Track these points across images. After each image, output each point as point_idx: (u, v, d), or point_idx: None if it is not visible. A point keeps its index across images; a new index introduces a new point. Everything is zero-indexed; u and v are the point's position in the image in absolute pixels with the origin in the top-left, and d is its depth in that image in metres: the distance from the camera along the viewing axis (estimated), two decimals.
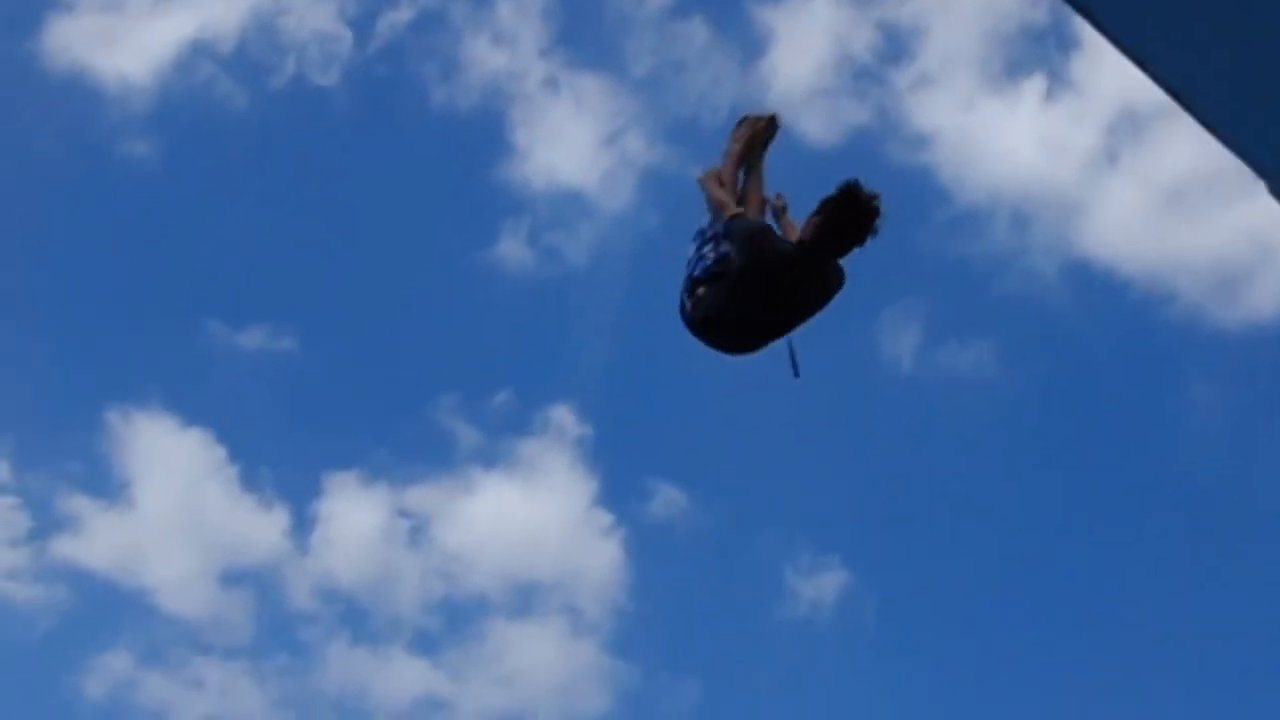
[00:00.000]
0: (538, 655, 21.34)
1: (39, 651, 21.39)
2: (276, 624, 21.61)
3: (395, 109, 23.64)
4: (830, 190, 6.80)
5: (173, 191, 23.12)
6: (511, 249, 22.54)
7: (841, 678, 21.91)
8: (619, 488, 21.38)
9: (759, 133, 7.51)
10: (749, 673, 21.67)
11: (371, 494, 21.83)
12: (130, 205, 23.37)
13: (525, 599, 21.32)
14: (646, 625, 21.36)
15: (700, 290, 7.01)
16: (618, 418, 22.06)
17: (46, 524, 21.33)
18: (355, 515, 21.71)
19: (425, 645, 21.49)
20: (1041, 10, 22.29)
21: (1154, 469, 22.30)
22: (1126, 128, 22.23)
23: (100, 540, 21.41)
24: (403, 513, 21.67)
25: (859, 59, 22.86)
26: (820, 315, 7.06)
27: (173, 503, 22.22)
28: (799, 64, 22.66)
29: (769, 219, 7.44)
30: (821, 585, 21.44)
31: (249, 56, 22.49)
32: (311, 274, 23.87)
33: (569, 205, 22.80)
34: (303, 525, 21.69)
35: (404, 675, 21.24)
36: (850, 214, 6.75)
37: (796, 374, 7.05)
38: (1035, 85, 22.57)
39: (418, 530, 21.64)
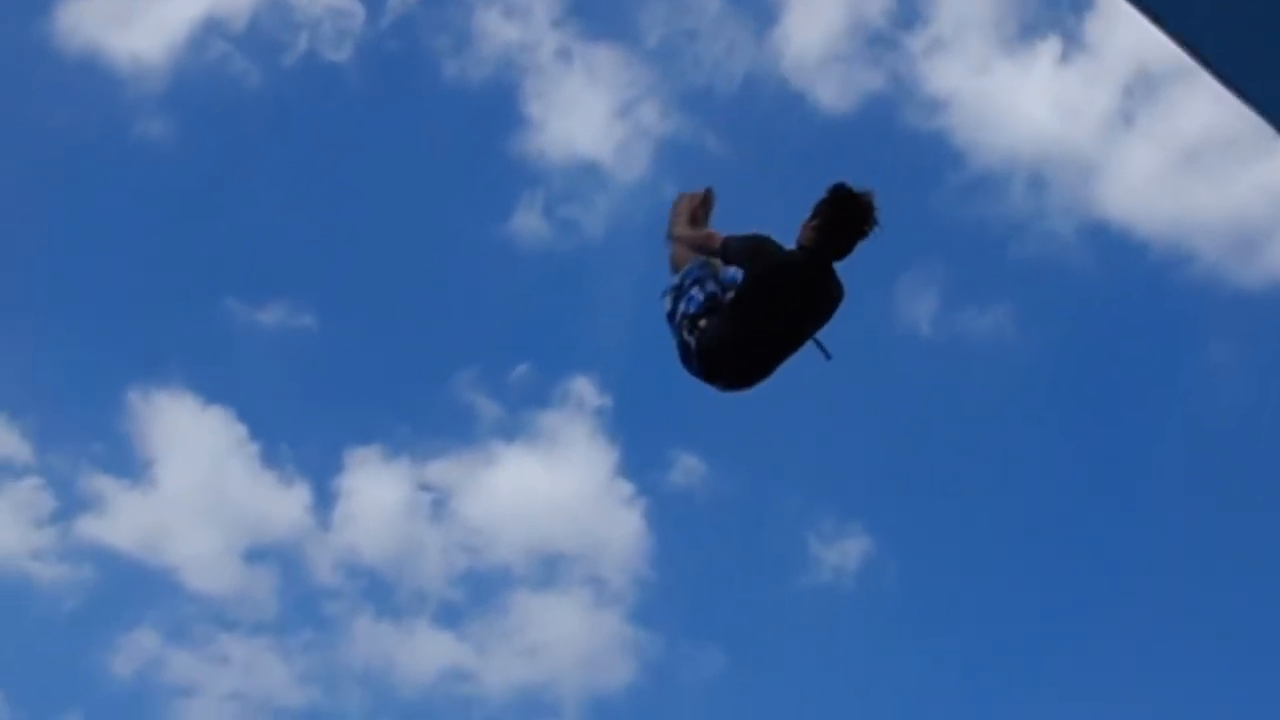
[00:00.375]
0: (561, 626, 21.40)
1: (66, 630, 21.50)
2: (300, 600, 21.69)
3: (408, 83, 23.60)
4: (821, 194, 6.87)
5: (189, 170, 23.14)
6: (527, 222, 22.53)
7: (864, 644, 21.95)
8: (640, 458, 21.41)
9: (698, 206, 7.50)
10: (772, 641, 21.72)
11: (393, 469, 21.90)
12: (147, 185, 23.39)
13: (548, 570, 21.39)
14: (669, 595, 21.41)
15: (701, 323, 7.00)
16: (637, 388, 22.05)
17: (70, 504, 21.43)
18: (377, 490, 21.79)
19: (449, 618, 21.57)
20: None
21: (1175, 430, 22.26)
22: (1142, 88, 22.12)
23: (124, 519, 21.51)
24: (424, 487, 21.74)
25: (872, 24, 22.81)
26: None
27: (195, 481, 22.30)
28: (812, 31, 22.60)
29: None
30: (844, 552, 21.46)
31: (261, 34, 22.46)
32: (329, 250, 23.88)
33: (584, 177, 22.77)
34: (325, 501, 21.76)
35: (428, 648, 21.33)
36: (846, 210, 6.79)
37: (828, 356, 7.04)
38: (1050, 47, 22.47)
39: (440, 504, 21.71)
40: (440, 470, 21.79)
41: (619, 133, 22.59)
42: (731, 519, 21.78)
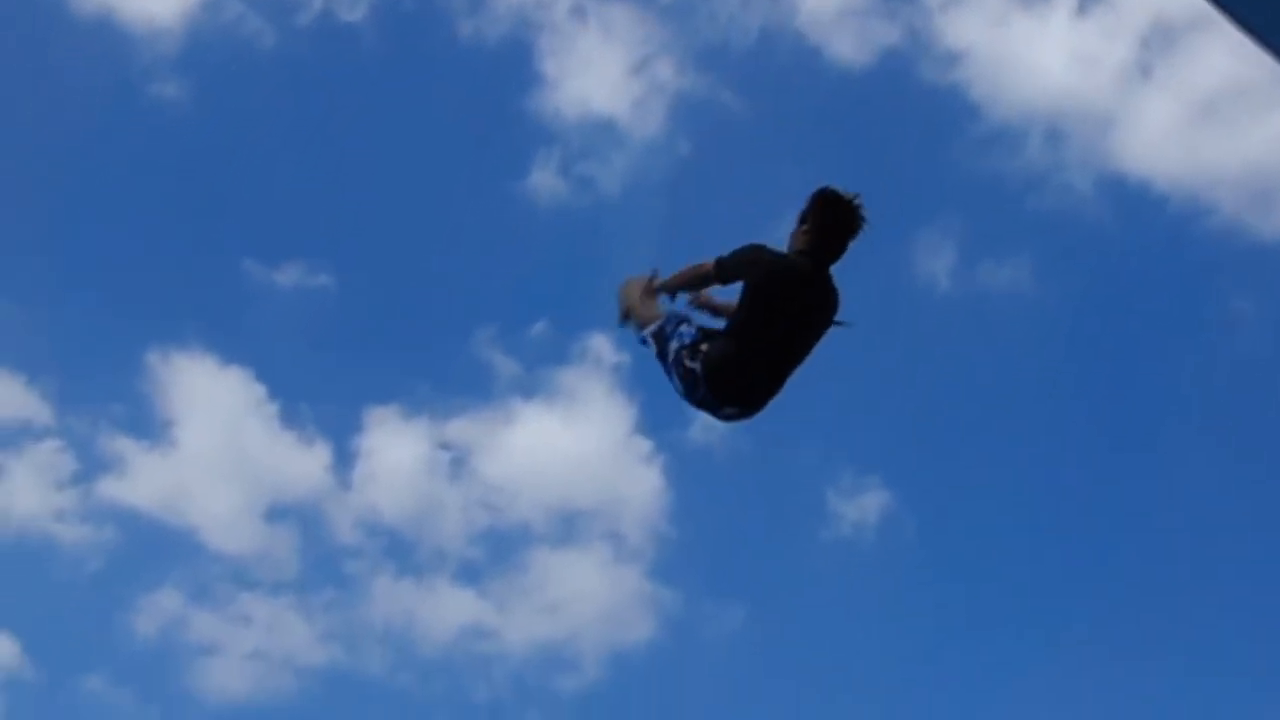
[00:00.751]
0: (581, 583, 21.47)
1: (89, 591, 21.61)
2: (321, 559, 21.78)
3: (423, 42, 23.57)
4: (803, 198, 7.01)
5: (204, 132, 23.14)
6: (544, 179, 22.52)
7: (883, 598, 21.98)
8: (658, 414, 21.38)
9: (646, 285, 7.50)
10: (791, 595, 21.78)
11: (412, 427, 21.95)
12: (163, 147, 23.41)
13: (568, 527, 21.44)
14: (689, 551, 21.45)
15: (703, 347, 6.99)
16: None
17: (91, 466, 21.52)
18: (396, 449, 21.85)
19: (469, 576, 21.64)
20: None
21: (1194, 382, 22.23)
22: (1159, 39, 22.01)
23: (145, 480, 21.60)
24: (444, 445, 21.79)
25: None
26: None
27: (215, 442, 22.37)
28: None
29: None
30: (863, 506, 21.49)
31: None
32: (346, 210, 23.88)
33: (600, 134, 22.74)
34: (344, 460, 21.82)
35: (449, 606, 21.41)
36: (835, 213, 6.88)
37: (848, 325, 7.03)
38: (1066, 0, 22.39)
39: (459, 462, 21.76)
40: (459, 428, 21.86)
41: (635, 90, 22.57)
42: (750, 474, 21.83)
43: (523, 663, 20.93)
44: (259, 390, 21.78)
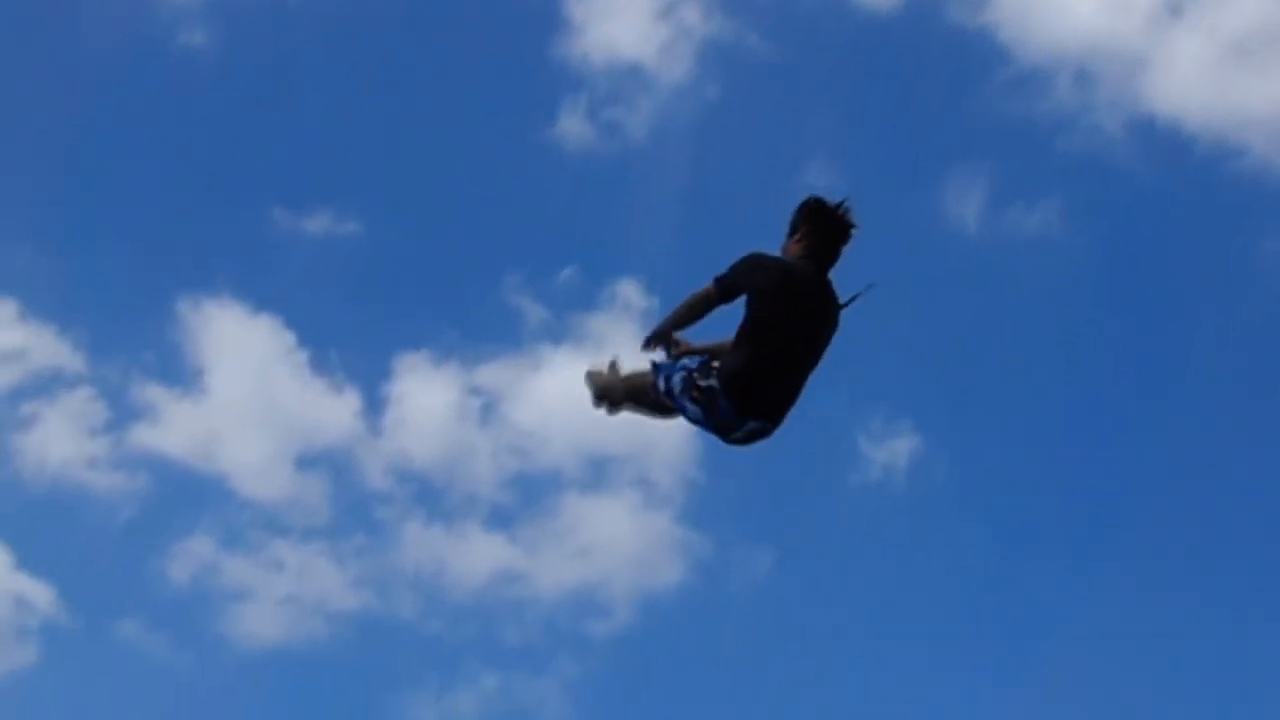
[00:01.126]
0: (612, 528, 21.51)
1: (123, 538, 21.77)
2: (352, 505, 21.88)
3: None
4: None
5: (232, 80, 23.17)
6: (571, 125, 22.47)
7: (914, 542, 22.01)
8: None
9: (610, 365, 7.54)
10: (821, 540, 21.81)
11: (441, 374, 22.00)
12: (191, 96, 23.43)
13: (597, 473, 21.48)
14: (718, 496, 21.47)
15: (714, 363, 6.90)
16: (683, 290, 21.98)
17: (123, 413, 21.63)
18: (426, 395, 21.89)
19: (500, 521, 21.73)
20: None
21: (1224, 325, 22.14)
22: None
23: (176, 428, 21.71)
24: (473, 391, 21.83)
25: None
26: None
27: (245, 389, 22.46)
28: None
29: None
30: (893, 450, 21.48)
31: None
32: (374, 157, 23.89)
33: (627, 79, 22.65)
34: (374, 407, 21.89)
35: (480, 551, 21.51)
36: (826, 221, 6.89)
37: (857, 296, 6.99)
38: None
39: (489, 408, 21.81)
40: (489, 375, 21.89)
41: (662, 34, 22.46)
42: None
43: (553, 607, 21.04)
44: (288, 338, 21.88)
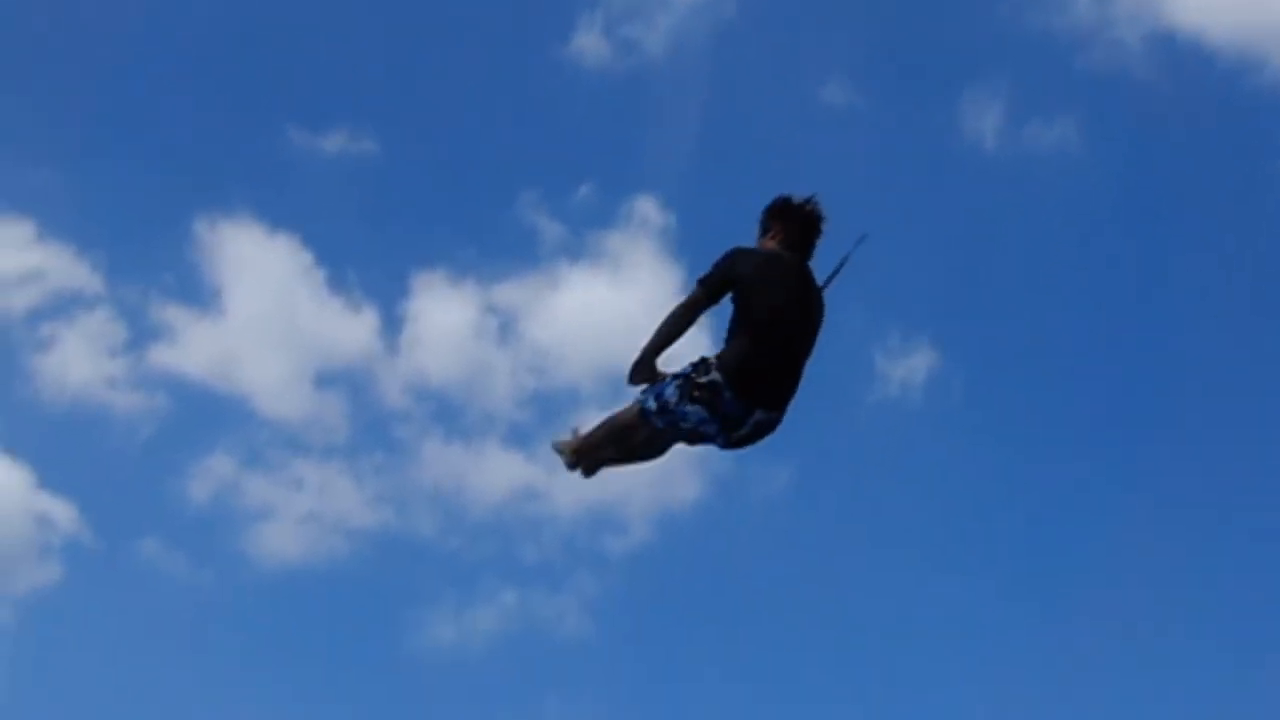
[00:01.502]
0: None
1: (143, 458, 21.91)
2: (371, 423, 21.98)
3: None
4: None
5: None
6: (588, 42, 22.38)
7: (931, 458, 22.08)
8: None
9: (574, 434, 7.38)
10: (839, 456, 21.89)
11: (459, 292, 22.03)
12: (206, 15, 23.37)
13: (615, 390, 21.26)
14: None
15: (710, 360, 6.77)
16: (700, 206, 21.98)
17: (142, 334, 21.72)
18: (444, 314, 21.95)
19: (518, 439, 21.80)
20: None
21: (1244, 241, 22.06)
22: None
23: (195, 348, 21.80)
24: (491, 309, 21.88)
25: None
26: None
27: (263, 309, 22.52)
28: None
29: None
30: (910, 367, 21.52)
31: None
32: (389, 76, 23.81)
33: None
34: (392, 326, 21.95)
35: (498, 469, 21.61)
36: (796, 217, 6.94)
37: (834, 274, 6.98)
38: None
39: (506, 326, 21.85)
40: (506, 293, 21.93)
41: None
42: None
43: (572, 524, 21.18)
44: (306, 257, 21.92)
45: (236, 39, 23.17)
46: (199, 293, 22.07)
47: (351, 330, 21.83)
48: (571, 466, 7.36)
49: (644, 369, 6.91)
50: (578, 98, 22.79)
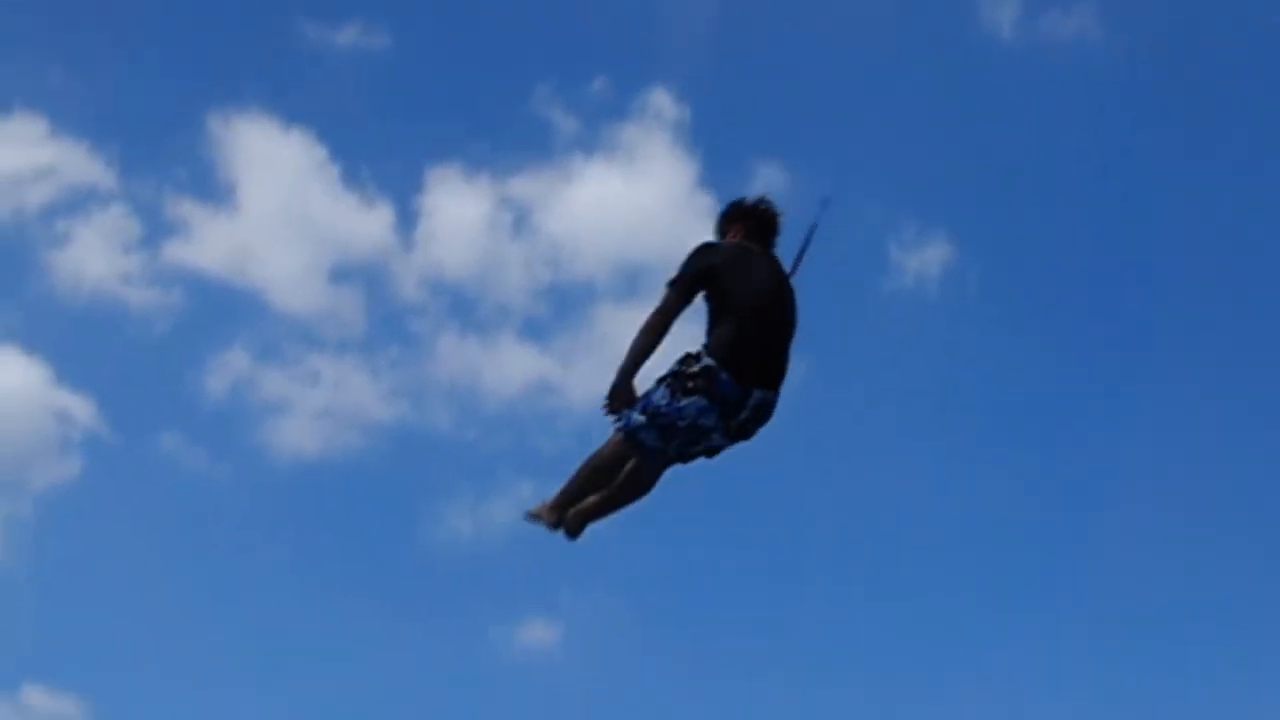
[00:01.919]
0: None
1: (160, 353, 22.04)
2: (386, 317, 22.06)
3: None
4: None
5: None
6: None
7: (946, 350, 22.10)
8: (720, 169, 21.33)
9: (553, 497, 7.00)
10: (853, 347, 21.91)
11: (473, 186, 22.00)
12: None
13: (631, 283, 21.47)
14: None
15: (698, 352, 6.67)
16: (715, 98, 21.91)
17: (157, 229, 21.76)
18: (458, 208, 21.94)
19: (534, 332, 21.87)
20: None
21: (1264, 130, 21.94)
22: None
23: (210, 243, 21.86)
24: (505, 203, 21.84)
25: None
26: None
27: (278, 204, 22.54)
28: None
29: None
30: (925, 258, 21.50)
31: None
32: None
33: None
34: (407, 220, 21.97)
35: (514, 362, 21.70)
36: (753, 217, 6.97)
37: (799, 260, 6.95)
38: None
39: (521, 220, 21.80)
40: (520, 186, 21.86)
41: None
42: None
43: (587, 417, 21.16)
44: (320, 152, 21.89)
45: None
46: (213, 188, 22.09)
47: (366, 225, 21.85)
48: (554, 526, 6.96)
49: (623, 390, 6.74)
50: None
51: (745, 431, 6.77)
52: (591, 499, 6.92)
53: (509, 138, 22.70)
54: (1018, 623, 21.01)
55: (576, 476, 6.88)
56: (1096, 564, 21.25)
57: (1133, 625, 20.85)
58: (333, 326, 21.88)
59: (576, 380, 21.37)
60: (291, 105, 22.01)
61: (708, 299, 6.76)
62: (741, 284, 6.67)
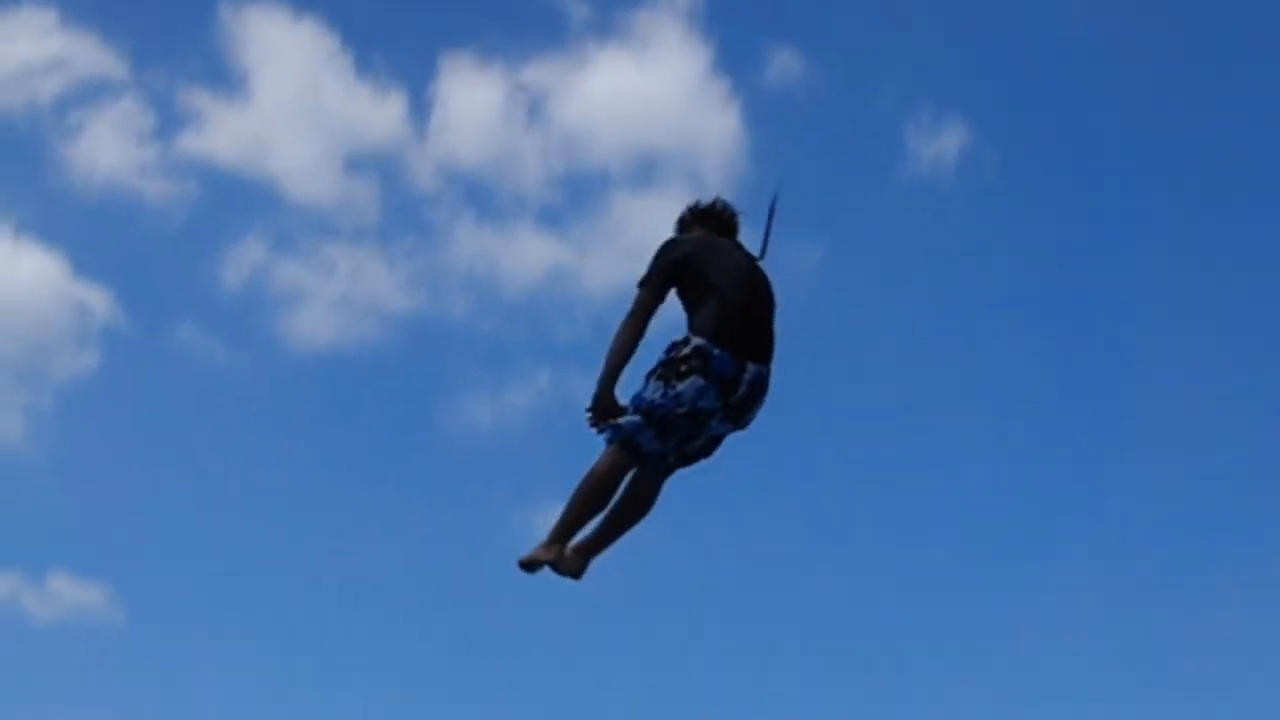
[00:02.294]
0: (661, 225, 21.35)
1: (175, 244, 22.08)
2: (401, 207, 22.06)
3: None
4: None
5: None
6: None
7: (962, 236, 22.07)
8: (735, 55, 21.20)
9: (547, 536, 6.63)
10: (870, 234, 21.91)
11: (486, 74, 21.89)
12: None
13: (646, 170, 21.43)
14: (766, 194, 21.43)
15: (686, 336, 6.50)
16: None
17: (169, 121, 21.72)
18: (472, 96, 21.83)
19: (550, 220, 21.86)
20: None
21: None
22: None
23: (223, 134, 21.79)
24: (519, 90, 21.74)
25: None
26: None
27: (291, 93, 22.45)
28: None
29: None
30: (942, 144, 21.39)
31: None
32: None
33: None
34: (420, 109, 21.89)
35: (530, 250, 21.70)
36: (708, 217, 6.96)
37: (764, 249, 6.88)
38: None
39: (535, 108, 21.72)
40: (534, 73, 21.75)
41: None
42: (828, 113, 21.69)
43: (604, 305, 21.26)
44: (332, 41, 21.77)
45: None
46: (225, 78, 22.02)
47: (380, 113, 21.78)
48: (555, 564, 6.60)
49: (606, 400, 6.54)
50: None
51: (744, 410, 6.59)
52: (588, 532, 6.66)
53: (521, 25, 22.58)
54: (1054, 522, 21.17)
55: (570, 505, 6.55)
56: (1122, 454, 21.37)
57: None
58: (348, 216, 21.90)
59: (593, 268, 21.40)
60: None
61: (682, 294, 6.66)
62: (716, 267, 6.61)
